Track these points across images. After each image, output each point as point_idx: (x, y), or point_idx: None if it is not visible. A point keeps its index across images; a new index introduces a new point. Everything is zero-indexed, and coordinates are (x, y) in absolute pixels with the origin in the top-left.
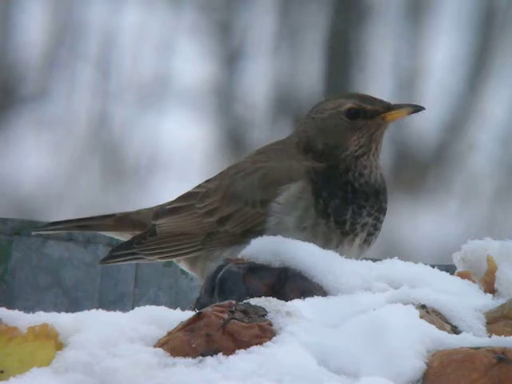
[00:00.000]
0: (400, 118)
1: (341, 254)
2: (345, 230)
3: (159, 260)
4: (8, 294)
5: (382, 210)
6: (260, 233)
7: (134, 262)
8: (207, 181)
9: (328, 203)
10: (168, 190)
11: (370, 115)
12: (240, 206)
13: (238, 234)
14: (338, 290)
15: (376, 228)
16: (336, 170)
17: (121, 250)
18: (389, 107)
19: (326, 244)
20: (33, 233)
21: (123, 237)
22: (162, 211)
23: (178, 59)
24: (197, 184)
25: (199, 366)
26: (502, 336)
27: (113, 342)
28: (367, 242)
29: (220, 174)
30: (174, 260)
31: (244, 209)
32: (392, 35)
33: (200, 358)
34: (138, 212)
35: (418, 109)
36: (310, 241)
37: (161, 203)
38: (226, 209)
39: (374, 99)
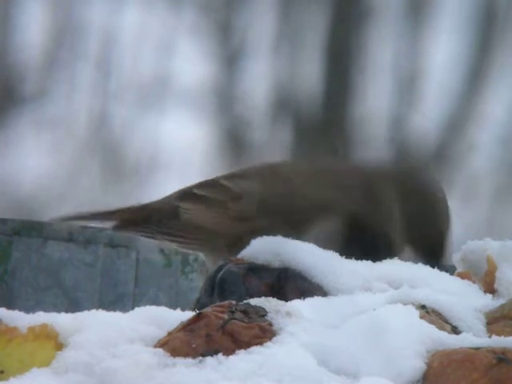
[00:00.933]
0: None
1: None
2: None
3: (176, 246)
4: (8, 295)
5: None
6: None
7: (150, 238)
8: (240, 176)
9: None
10: (168, 190)
11: None
12: (275, 221)
13: None
14: (338, 290)
15: None
16: None
17: (137, 225)
18: None
19: None
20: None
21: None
22: (189, 194)
23: (178, 59)
24: (221, 174)
25: (199, 367)
26: (502, 336)
27: (113, 343)
28: None
29: (255, 171)
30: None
31: (278, 224)
32: (392, 35)
33: (200, 358)
34: (152, 203)
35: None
36: None
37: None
38: (261, 221)
39: None
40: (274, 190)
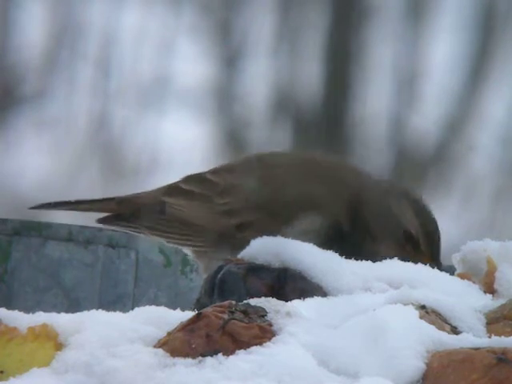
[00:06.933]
0: None
1: None
2: None
3: (163, 241)
4: (8, 295)
5: None
6: None
7: (133, 232)
8: (227, 170)
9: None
10: None
11: None
12: (263, 215)
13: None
14: (337, 291)
15: None
16: None
17: (120, 220)
18: None
19: None
20: (28, 208)
21: None
22: (176, 189)
23: (178, 59)
24: (210, 168)
25: (199, 367)
26: (502, 336)
27: (113, 343)
28: None
29: (242, 165)
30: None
31: (265, 219)
32: (392, 35)
33: (200, 358)
34: (138, 195)
35: None
36: None
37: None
38: (249, 215)
39: None
40: (262, 183)
